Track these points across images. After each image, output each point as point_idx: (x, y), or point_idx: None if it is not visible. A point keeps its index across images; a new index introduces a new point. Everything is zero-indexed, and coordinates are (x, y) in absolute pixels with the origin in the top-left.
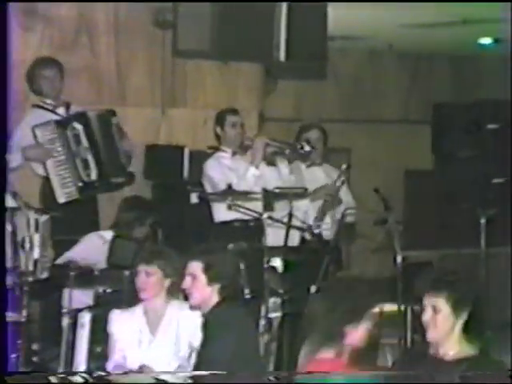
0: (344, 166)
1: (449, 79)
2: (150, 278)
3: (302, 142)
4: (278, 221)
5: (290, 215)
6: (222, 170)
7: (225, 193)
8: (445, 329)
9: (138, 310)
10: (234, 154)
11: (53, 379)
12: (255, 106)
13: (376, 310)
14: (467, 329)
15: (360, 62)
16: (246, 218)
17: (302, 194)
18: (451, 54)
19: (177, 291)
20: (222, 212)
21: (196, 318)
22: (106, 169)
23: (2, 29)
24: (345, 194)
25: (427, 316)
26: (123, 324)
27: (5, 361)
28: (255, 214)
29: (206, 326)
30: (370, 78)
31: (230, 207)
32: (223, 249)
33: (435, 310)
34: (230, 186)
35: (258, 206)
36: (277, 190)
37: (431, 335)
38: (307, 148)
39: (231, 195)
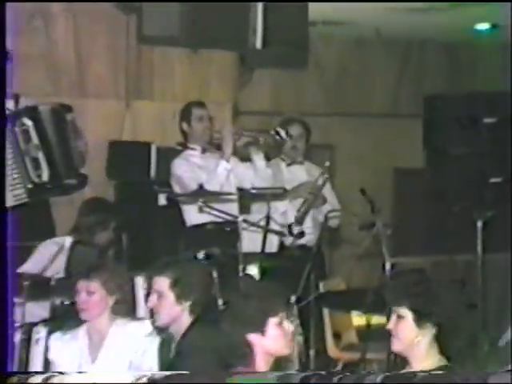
0: (327, 163)
1: (442, 69)
2: (91, 296)
3: (277, 128)
4: (254, 224)
5: (268, 218)
6: (191, 168)
7: (196, 193)
8: (408, 338)
9: (82, 331)
10: (203, 151)
11: (55, 379)
12: (229, 97)
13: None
14: (438, 342)
15: (344, 49)
16: (220, 221)
17: (281, 194)
18: (445, 40)
19: (123, 309)
20: (192, 215)
21: (141, 338)
22: (58, 169)
23: (1, 29)
24: (328, 194)
25: (391, 324)
26: (63, 349)
27: (5, 361)
28: (229, 217)
29: (179, 355)
30: (356, 68)
31: (201, 209)
32: (192, 259)
33: (398, 318)
34: (201, 187)
35: (232, 207)
36: (253, 191)
37: (395, 345)
38: (283, 134)
39: (203, 196)
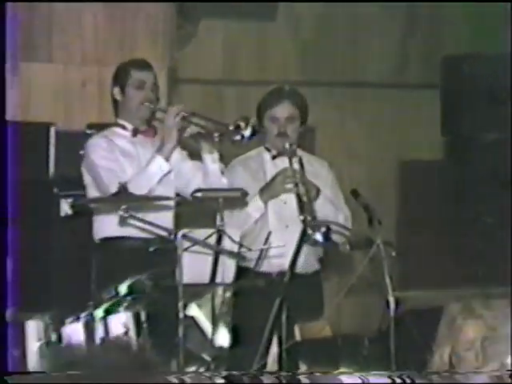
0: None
1: (464, 23)
2: None
3: (240, 121)
4: (200, 243)
5: (220, 233)
6: (113, 155)
7: (116, 197)
8: None
9: None
10: (134, 132)
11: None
12: (163, 59)
13: None
14: None
15: None
16: (149, 237)
17: (240, 198)
18: None
19: None
20: (107, 226)
21: None
22: None
23: (1, 29)
24: (322, 203)
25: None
26: None
27: (5, 361)
28: (163, 232)
29: None
30: (346, 22)
31: (123, 220)
32: (112, 295)
33: None
34: (124, 187)
35: (168, 218)
36: (199, 194)
37: None
38: (247, 131)
39: (125, 201)
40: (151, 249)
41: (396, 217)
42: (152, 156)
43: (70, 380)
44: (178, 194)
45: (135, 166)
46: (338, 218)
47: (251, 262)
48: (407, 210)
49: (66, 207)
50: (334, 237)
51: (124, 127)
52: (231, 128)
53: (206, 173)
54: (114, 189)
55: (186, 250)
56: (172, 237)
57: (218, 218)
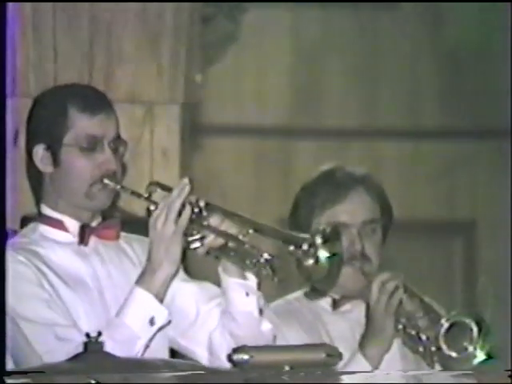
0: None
1: None
2: None
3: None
4: None
5: None
6: (43, 293)
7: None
8: None
9: None
10: (82, 235)
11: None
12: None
13: None
14: None
15: None
16: None
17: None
18: None
19: None
20: None
21: None
22: None
23: (2, 29)
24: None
25: None
26: None
27: (4, 361)
28: None
29: None
30: None
31: None
32: None
33: None
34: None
35: None
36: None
37: None
38: (323, 250)
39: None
40: None
41: None
42: (131, 291)
43: (70, 380)
44: (172, 351)
45: (88, 305)
46: None
47: None
48: None
49: None
50: None
51: (60, 225)
52: (304, 246)
53: (230, 314)
54: (59, 357)
55: None
56: None
57: None
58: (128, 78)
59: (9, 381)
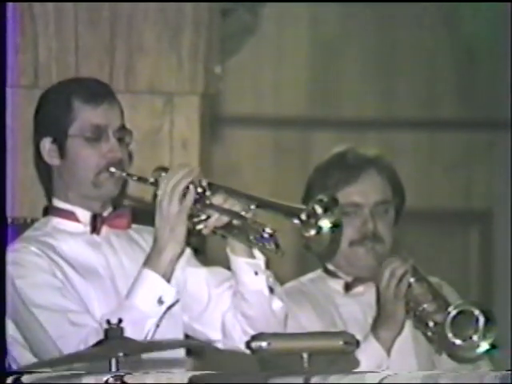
0: None
1: None
2: None
3: (316, 202)
4: None
5: None
6: (56, 281)
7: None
8: None
9: None
10: (94, 225)
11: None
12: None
13: None
14: None
15: None
16: None
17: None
18: None
19: None
20: None
21: None
22: None
23: (1, 29)
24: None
25: None
26: None
27: (4, 361)
28: None
29: None
30: None
31: None
32: None
33: None
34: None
35: None
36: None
37: None
38: (326, 220)
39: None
40: None
41: None
42: (139, 273)
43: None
44: (187, 336)
45: (101, 293)
46: None
47: None
48: None
49: None
50: None
51: (72, 216)
52: (303, 216)
53: (241, 295)
54: (73, 342)
55: None
56: None
57: None
58: (148, 70)
59: (9, 381)
